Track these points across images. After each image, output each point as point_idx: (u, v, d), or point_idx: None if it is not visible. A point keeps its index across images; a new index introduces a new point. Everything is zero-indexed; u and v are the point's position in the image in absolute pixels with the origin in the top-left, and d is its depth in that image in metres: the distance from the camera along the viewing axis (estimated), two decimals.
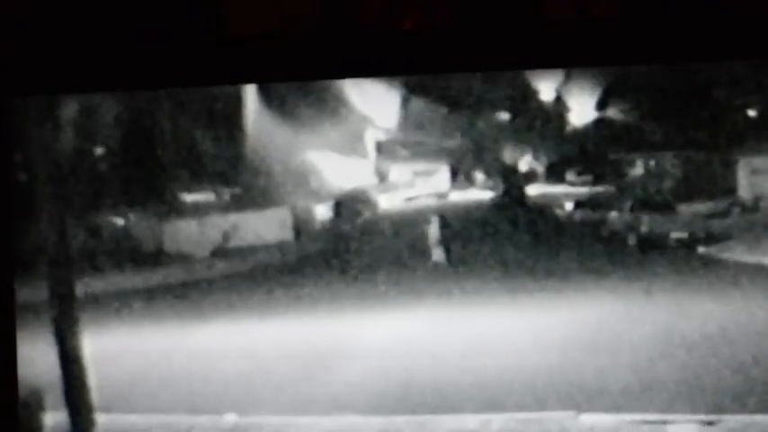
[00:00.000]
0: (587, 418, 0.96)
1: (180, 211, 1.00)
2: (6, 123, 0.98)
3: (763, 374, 0.94)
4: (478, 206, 0.99)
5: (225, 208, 1.00)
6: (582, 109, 0.98)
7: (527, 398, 0.97)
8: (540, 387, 0.97)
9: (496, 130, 0.98)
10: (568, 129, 0.98)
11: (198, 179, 1.00)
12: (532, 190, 0.99)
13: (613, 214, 0.99)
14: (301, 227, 0.99)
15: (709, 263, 0.97)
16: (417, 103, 0.99)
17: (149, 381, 1.00)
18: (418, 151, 1.00)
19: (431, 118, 0.99)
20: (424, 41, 0.97)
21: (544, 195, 0.99)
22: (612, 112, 0.98)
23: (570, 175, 0.99)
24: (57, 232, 0.99)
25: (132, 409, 1.00)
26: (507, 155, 0.99)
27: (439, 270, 0.98)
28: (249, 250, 1.00)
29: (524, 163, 0.99)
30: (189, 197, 1.00)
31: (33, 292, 0.99)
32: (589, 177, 0.99)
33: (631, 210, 0.99)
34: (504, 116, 0.98)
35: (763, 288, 0.95)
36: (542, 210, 0.99)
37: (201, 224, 1.00)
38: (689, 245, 0.98)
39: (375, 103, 0.99)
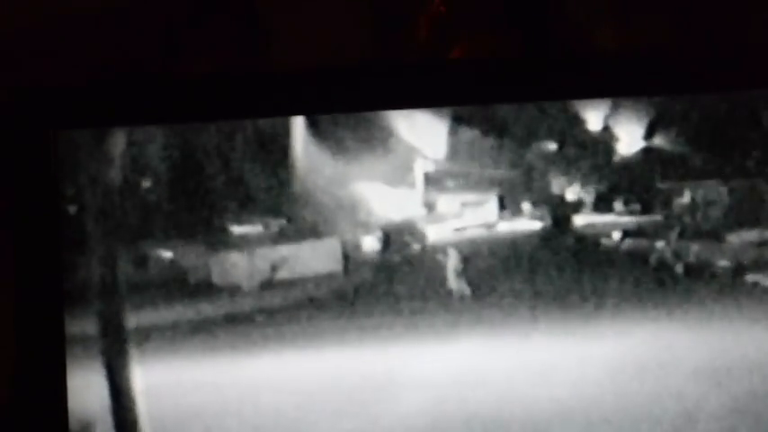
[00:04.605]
0: None
1: (228, 243, 1.00)
2: (55, 156, 0.99)
3: None
4: (526, 236, 0.99)
5: (273, 240, 1.00)
6: (629, 138, 0.98)
7: (577, 428, 0.97)
8: (589, 417, 0.96)
9: (544, 160, 0.98)
10: (616, 158, 0.98)
11: (246, 211, 1.00)
12: (580, 219, 0.99)
13: (661, 243, 0.99)
14: (350, 258, 0.99)
15: (757, 291, 0.97)
16: (465, 134, 0.99)
17: (199, 413, 1.00)
18: (466, 182, 0.99)
19: (479, 148, 0.99)
20: (471, 72, 0.97)
21: (592, 225, 0.99)
22: (660, 142, 0.98)
23: (618, 205, 0.99)
24: (105, 265, 1.00)
25: None
26: (555, 185, 0.99)
27: (488, 300, 0.98)
28: (298, 282, 1.00)
29: (572, 193, 0.99)
30: (237, 229, 1.00)
31: (83, 324, 0.99)
32: (637, 207, 0.99)
33: (679, 238, 0.98)
34: (552, 146, 0.98)
35: None
36: (590, 239, 0.99)
37: (250, 256, 1.00)
38: (737, 273, 0.98)
39: (423, 133, 0.99)
